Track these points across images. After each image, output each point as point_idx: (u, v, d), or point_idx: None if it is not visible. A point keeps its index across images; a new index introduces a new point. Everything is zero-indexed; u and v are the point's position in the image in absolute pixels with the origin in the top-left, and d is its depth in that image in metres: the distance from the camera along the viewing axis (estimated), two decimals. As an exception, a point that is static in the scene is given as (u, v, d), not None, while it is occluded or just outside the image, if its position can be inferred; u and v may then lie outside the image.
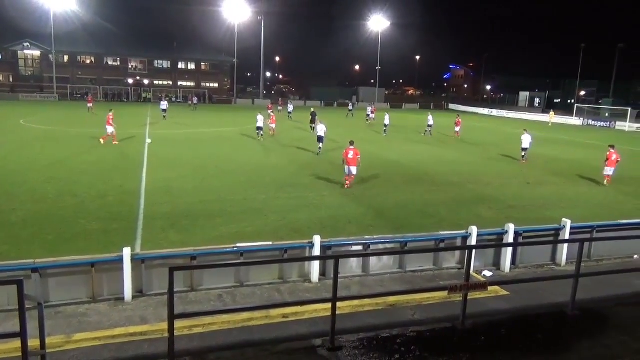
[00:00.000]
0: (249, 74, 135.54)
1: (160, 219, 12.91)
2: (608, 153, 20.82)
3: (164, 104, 44.17)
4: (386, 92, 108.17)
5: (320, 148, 25.47)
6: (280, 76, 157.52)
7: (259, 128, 31.06)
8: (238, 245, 9.20)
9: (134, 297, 8.45)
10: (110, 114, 26.55)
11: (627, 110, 57.18)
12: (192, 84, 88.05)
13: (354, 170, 17.78)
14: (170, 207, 14.18)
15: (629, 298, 7.93)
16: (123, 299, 8.36)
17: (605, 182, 20.74)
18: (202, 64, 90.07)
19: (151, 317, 7.80)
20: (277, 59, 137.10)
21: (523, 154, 26.09)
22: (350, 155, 17.76)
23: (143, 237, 11.49)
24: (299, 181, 18.62)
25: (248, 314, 7.59)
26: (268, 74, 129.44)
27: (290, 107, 52.08)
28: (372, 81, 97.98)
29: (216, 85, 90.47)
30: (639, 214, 14.72)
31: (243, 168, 20.88)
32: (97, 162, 20.87)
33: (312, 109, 38.93)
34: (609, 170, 20.70)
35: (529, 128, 29.23)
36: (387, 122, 37.47)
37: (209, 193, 16.12)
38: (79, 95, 69.76)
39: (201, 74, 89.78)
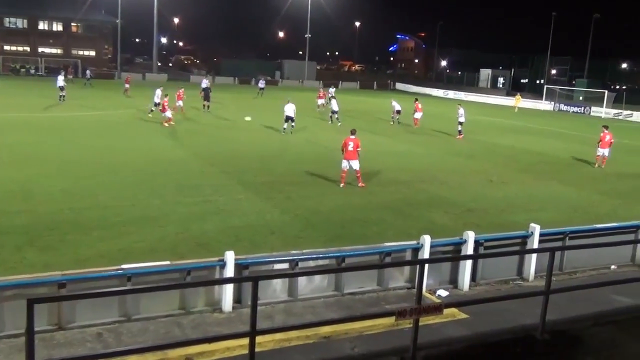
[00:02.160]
0: (138, 40, 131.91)
1: (13, 234, 12.38)
2: (602, 134, 24.84)
3: (61, 80, 41.62)
4: (318, 67, 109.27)
5: (285, 128, 29.59)
6: (181, 44, 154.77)
7: (156, 104, 34.14)
8: (124, 266, 8.98)
9: (-24, 341, 7.98)
10: (166, 99, 31.72)
11: (604, 93, 61.61)
12: (59, 51, 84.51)
13: (355, 164, 18.37)
14: (29, 217, 13.65)
15: (607, 316, 8.54)
16: (-39, 344, 7.88)
17: (597, 164, 24.80)
18: (73, 24, 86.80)
19: (2, 368, 7.42)
20: (176, 21, 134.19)
21: (459, 128, 32.66)
22: (350, 147, 18.15)
23: (-11, 259, 10.89)
24: (207, 181, 18.45)
25: (138, 357, 7.40)
26: (164, 41, 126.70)
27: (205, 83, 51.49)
28: (301, 53, 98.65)
29: (93, 53, 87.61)
30: (617, 217, 15.88)
31: (132, 164, 20.45)
32: None
33: (205, 85, 43.02)
34: (602, 152, 24.64)
35: (492, 115, 31.10)
36: (335, 108, 36.74)
37: (83, 197, 15.65)
38: None
39: (72, 39, 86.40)
